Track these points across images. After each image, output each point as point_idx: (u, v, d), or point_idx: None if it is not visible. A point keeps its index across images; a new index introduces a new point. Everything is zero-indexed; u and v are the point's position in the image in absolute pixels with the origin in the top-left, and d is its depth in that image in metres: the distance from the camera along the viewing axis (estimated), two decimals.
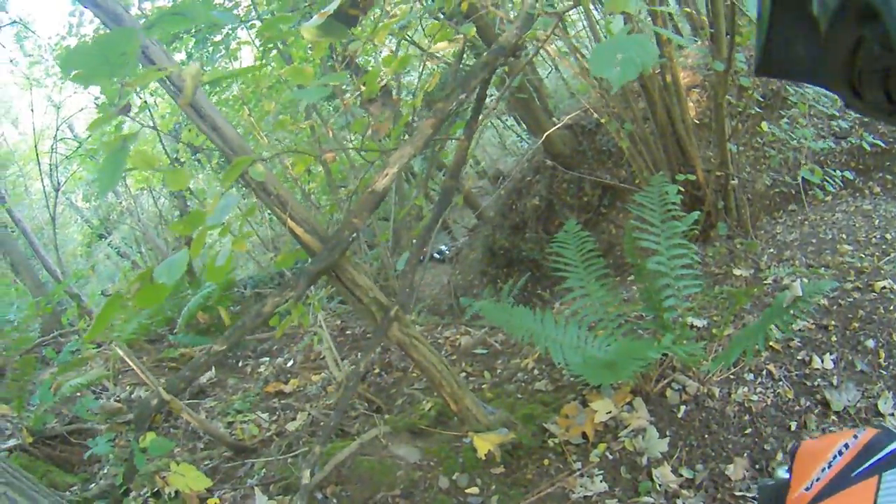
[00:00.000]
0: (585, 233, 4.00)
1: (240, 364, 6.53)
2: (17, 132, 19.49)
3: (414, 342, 3.22)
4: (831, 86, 0.65)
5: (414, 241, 3.38)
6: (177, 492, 3.32)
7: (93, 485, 4.02)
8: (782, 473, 1.13)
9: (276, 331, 3.49)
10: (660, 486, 3.04)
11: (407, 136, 3.08)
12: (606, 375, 2.90)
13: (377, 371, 5.22)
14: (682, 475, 3.10)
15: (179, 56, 7.66)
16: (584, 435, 3.43)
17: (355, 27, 2.76)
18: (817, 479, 1.05)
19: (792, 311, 2.98)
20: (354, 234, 2.81)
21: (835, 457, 1.05)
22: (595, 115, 7.46)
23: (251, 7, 7.24)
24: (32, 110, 11.28)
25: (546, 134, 7.49)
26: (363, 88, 3.02)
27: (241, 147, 2.80)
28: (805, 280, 4.11)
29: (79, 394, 5.38)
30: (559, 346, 3.36)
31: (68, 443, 4.71)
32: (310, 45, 3.08)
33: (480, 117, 3.35)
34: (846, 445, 1.05)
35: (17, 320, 8.32)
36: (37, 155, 10.16)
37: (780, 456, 3.09)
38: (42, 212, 14.37)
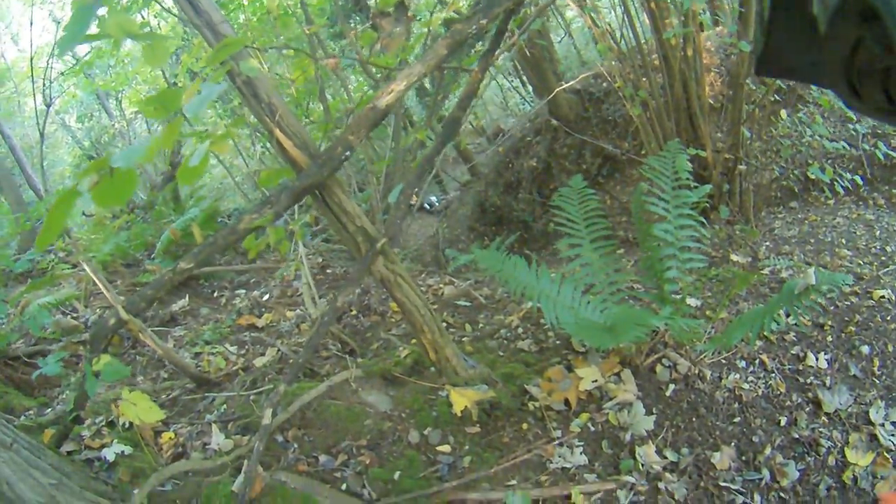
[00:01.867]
0: (591, 191, 3.80)
1: (215, 294, 6.34)
2: (16, 49, 19.04)
3: (399, 280, 3.01)
4: (831, 86, 0.64)
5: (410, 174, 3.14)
6: (131, 423, 3.13)
7: (49, 409, 3.80)
8: None
9: (255, 265, 3.25)
10: (642, 465, 2.90)
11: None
12: (606, 338, 2.72)
13: (354, 313, 5.03)
14: (666, 457, 2.96)
15: None
16: (567, 402, 3.26)
17: None
18: None
19: (803, 299, 2.83)
20: (348, 153, 2.56)
21: None
22: (604, 84, 7.24)
23: None
24: (32, 24, 10.93)
25: (554, 93, 7.32)
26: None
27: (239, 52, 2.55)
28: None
29: (44, 329, 5.15)
30: (552, 304, 3.17)
31: (32, 365, 4.47)
32: None
33: (497, 52, 3.12)
34: None
35: None
36: (32, 71, 9.82)
37: (767, 450, 2.97)
38: (34, 131, 14.07)
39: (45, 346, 4.77)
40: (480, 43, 6.24)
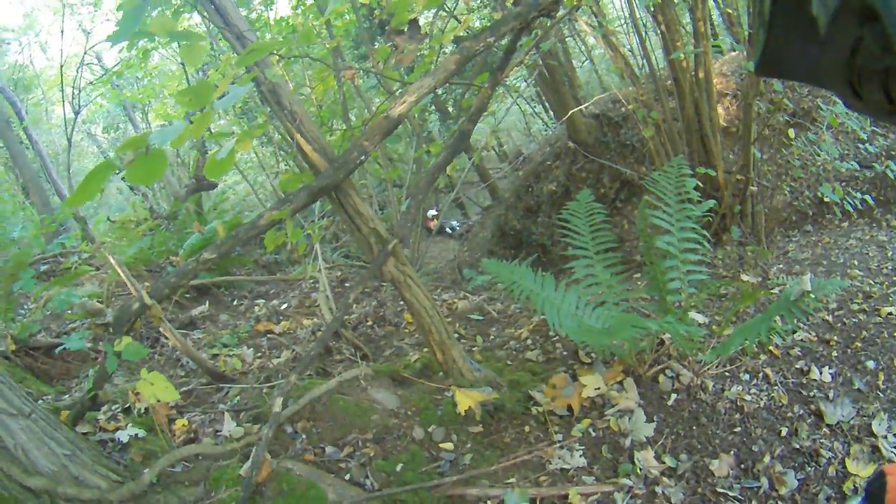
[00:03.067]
0: (598, 205, 3.89)
1: (234, 302, 6.47)
2: (45, 57, 19.51)
3: (408, 281, 3.13)
4: (831, 86, 0.63)
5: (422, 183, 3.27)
6: (147, 409, 3.24)
7: (66, 396, 3.92)
8: None
9: (276, 276, 3.38)
10: (640, 469, 2.95)
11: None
12: (602, 337, 2.81)
13: (370, 323, 5.16)
14: (664, 462, 3.01)
15: None
16: (570, 408, 3.34)
17: None
18: None
19: (799, 305, 2.88)
20: (363, 157, 2.70)
21: None
22: (622, 109, 7.35)
23: None
24: (63, 32, 11.25)
25: (570, 114, 7.41)
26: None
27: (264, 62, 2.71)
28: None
29: (69, 310, 5.28)
30: (556, 310, 3.27)
31: (51, 356, 4.60)
32: None
33: (507, 69, 3.25)
34: None
35: (21, 238, 8.17)
36: (61, 79, 10.06)
37: (767, 459, 3.00)
38: (61, 138, 14.34)
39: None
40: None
